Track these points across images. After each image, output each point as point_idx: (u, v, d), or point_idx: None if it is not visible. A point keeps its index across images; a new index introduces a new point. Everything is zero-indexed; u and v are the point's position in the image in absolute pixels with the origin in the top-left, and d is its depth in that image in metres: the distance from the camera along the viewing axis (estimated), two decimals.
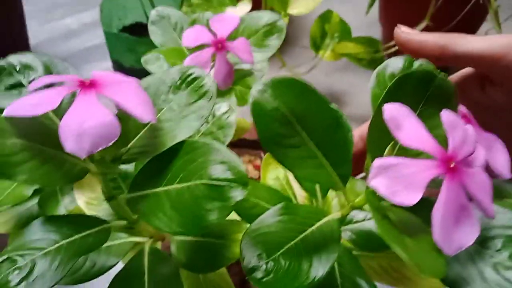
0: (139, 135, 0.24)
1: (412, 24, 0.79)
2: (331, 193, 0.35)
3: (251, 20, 0.40)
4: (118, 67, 0.77)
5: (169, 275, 0.29)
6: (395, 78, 0.22)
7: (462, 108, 0.26)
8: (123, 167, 0.35)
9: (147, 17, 0.78)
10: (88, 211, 0.35)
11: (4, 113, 0.20)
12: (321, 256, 0.24)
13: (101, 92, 0.22)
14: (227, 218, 0.34)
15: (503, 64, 0.30)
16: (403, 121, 0.20)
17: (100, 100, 0.21)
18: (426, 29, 0.77)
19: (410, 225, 0.21)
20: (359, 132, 0.37)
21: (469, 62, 0.32)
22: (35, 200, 0.39)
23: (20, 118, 0.22)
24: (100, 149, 0.20)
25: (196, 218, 0.22)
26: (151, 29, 0.41)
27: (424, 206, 0.22)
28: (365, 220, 0.34)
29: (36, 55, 0.26)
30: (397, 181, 0.19)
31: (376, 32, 1.02)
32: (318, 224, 0.26)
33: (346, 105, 0.90)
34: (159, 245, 0.32)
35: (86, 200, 0.36)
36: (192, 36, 0.37)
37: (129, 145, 0.24)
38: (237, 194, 0.21)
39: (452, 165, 0.19)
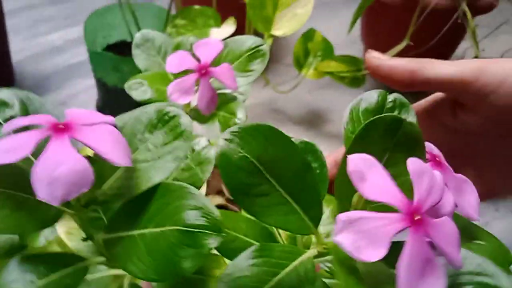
0: (114, 177, 0.24)
1: (393, 42, 0.80)
2: None
3: (235, 45, 0.40)
4: (102, 85, 0.77)
5: None
6: (362, 126, 0.22)
7: (432, 149, 0.26)
8: None
9: (132, 36, 0.78)
10: (69, 242, 0.35)
11: None
12: None
13: (75, 136, 0.22)
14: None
15: (474, 89, 0.31)
16: (368, 173, 0.20)
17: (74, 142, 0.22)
18: (407, 48, 0.79)
19: (378, 274, 0.21)
20: (333, 157, 0.38)
21: (439, 87, 0.33)
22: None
23: None
24: (73, 196, 0.20)
25: (170, 265, 0.22)
26: (135, 52, 0.42)
27: (394, 251, 0.22)
28: None
29: (13, 91, 0.26)
30: (361, 237, 0.19)
31: (358, 49, 1.04)
32: (292, 265, 0.26)
33: (329, 123, 0.91)
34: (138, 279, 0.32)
35: (67, 230, 0.36)
36: (175, 61, 0.37)
37: (104, 187, 0.24)
38: (211, 242, 0.21)
39: (416, 218, 0.19)
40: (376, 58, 0.34)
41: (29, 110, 0.26)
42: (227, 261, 0.33)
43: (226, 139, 0.22)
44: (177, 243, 0.22)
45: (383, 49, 0.81)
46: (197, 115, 0.39)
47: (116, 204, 0.24)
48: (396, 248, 0.22)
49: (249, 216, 0.37)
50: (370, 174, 0.20)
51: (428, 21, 0.78)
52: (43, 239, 0.38)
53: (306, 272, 0.26)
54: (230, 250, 0.31)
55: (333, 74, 0.84)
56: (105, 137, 0.22)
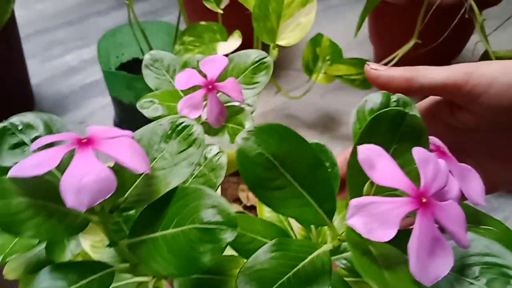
0: (134, 184, 0.26)
1: (401, 41, 0.81)
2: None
3: (240, 59, 0.42)
4: (118, 103, 0.79)
5: None
6: (369, 119, 0.24)
7: (435, 141, 0.27)
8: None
9: (143, 53, 0.80)
10: (93, 254, 0.37)
11: (9, 175, 0.22)
12: None
13: (97, 148, 0.23)
14: (225, 254, 0.36)
15: (465, 91, 0.33)
16: (376, 161, 0.21)
17: (97, 156, 0.23)
18: (416, 46, 0.79)
19: (390, 257, 0.22)
20: (344, 156, 0.39)
21: (434, 91, 0.35)
22: (43, 245, 0.40)
23: (23, 178, 0.24)
24: (98, 202, 0.22)
25: (190, 261, 0.23)
26: (145, 72, 0.43)
27: (403, 237, 0.23)
28: None
29: (36, 114, 0.28)
30: (372, 219, 0.20)
31: (367, 49, 1.05)
32: (309, 258, 0.27)
33: (342, 125, 0.92)
34: (162, 283, 0.34)
35: (91, 243, 0.38)
36: (184, 79, 0.39)
37: (126, 195, 0.25)
38: (227, 236, 0.23)
39: (424, 201, 0.21)
40: (374, 69, 0.36)
41: (52, 130, 0.28)
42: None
43: (243, 138, 0.24)
44: (196, 240, 0.23)
45: (392, 48, 0.83)
46: (208, 128, 0.40)
47: (138, 210, 0.26)
48: (405, 235, 0.23)
49: (264, 219, 0.39)
50: (378, 163, 0.21)
51: (436, 18, 0.79)
52: (69, 253, 0.40)
53: (323, 264, 0.27)
54: (248, 251, 0.32)
55: (343, 77, 0.85)
56: (125, 148, 0.24)
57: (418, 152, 0.22)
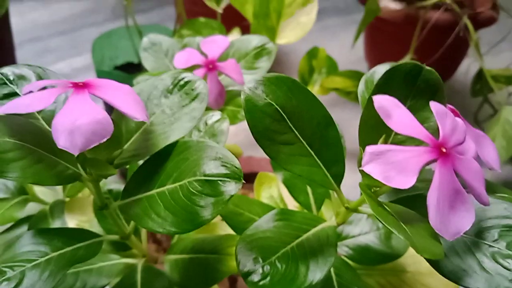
0: (132, 139, 0.24)
1: (397, 59, 0.81)
2: (324, 209, 0.35)
3: (241, 44, 0.41)
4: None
5: None
6: (383, 72, 0.22)
7: (449, 105, 0.26)
8: (114, 186, 0.35)
9: (139, 57, 0.79)
10: None
11: (0, 111, 0.20)
12: (318, 260, 0.24)
13: (94, 92, 0.22)
14: (221, 233, 0.34)
15: None
16: (393, 110, 0.20)
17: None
18: None
19: (405, 215, 0.21)
20: None
21: None
22: (25, 228, 0.38)
23: (13, 120, 0.22)
24: (93, 145, 0.20)
25: (189, 216, 0.21)
26: (143, 55, 0.42)
27: (419, 201, 0.22)
28: (361, 235, 0.34)
29: (29, 66, 0.26)
30: (390, 167, 0.19)
31: (362, 69, 1.05)
32: (314, 230, 0.26)
33: None
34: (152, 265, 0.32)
35: (77, 222, 0.36)
36: (183, 58, 0.38)
37: (122, 149, 0.24)
38: (231, 189, 0.21)
39: (443, 151, 0.19)
40: None
41: None
42: None
43: (250, 87, 0.22)
44: (196, 194, 0.22)
45: None
46: (206, 110, 0.39)
47: (133, 165, 0.24)
48: (419, 198, 0.22)
49: (263, 201, 0.37)
50: (395, 112, 0.20)
51: (431, 36, 0.79)
52: None
53: (328, 237, 0.25)
54: (245, 230, 0.31)
55: (339, 90, 0.85)
56: (124, 95, 0.23)
57: (436, 106, 0.21)
